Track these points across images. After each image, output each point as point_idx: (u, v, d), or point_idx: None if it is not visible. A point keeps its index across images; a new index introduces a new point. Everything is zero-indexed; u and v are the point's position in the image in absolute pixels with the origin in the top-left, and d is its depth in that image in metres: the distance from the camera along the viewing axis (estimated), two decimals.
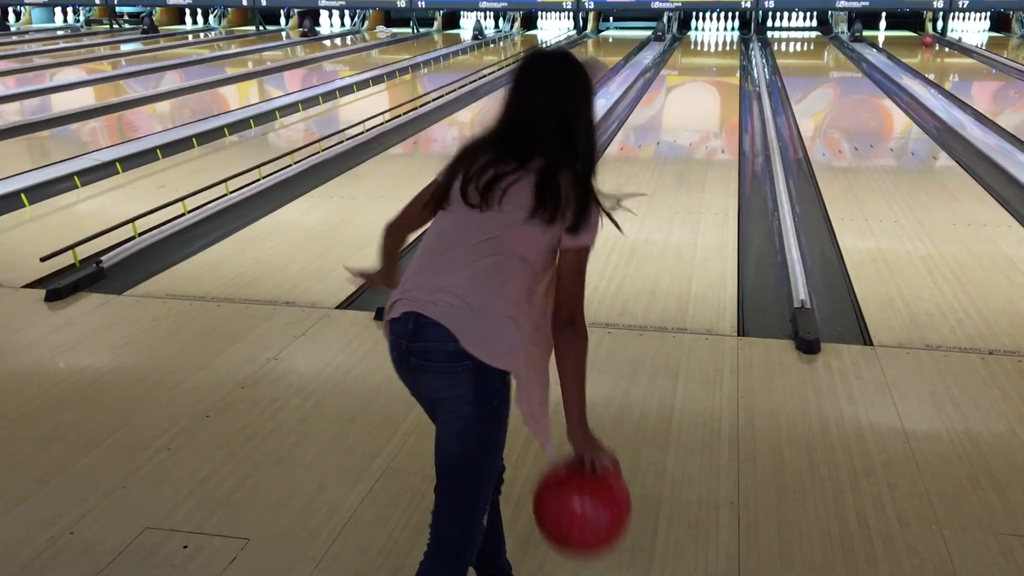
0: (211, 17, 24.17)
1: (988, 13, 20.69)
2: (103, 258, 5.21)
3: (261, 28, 23.26)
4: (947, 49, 18.47)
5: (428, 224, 2.17)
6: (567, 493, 2.07)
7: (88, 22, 24.51)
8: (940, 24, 20.70)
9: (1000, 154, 8.13)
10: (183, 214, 6.15)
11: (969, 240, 5.69)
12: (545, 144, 2.02)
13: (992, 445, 3.30)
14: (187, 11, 24.12)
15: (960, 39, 19.64)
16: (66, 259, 5.23)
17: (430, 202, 2.13)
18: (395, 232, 2.34)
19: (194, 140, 8.92)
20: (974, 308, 4.58)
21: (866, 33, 19.19)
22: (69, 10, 24.81)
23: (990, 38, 19.97)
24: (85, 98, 12.03)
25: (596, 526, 2.06)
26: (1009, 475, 3.10)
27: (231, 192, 6.69)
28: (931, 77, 13.84)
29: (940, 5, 20.22)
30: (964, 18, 20.72)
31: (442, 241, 2.05)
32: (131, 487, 3.04)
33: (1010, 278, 5.01)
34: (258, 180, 7.08)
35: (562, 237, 1.99)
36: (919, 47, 18.35)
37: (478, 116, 10.85)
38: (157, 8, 23.47)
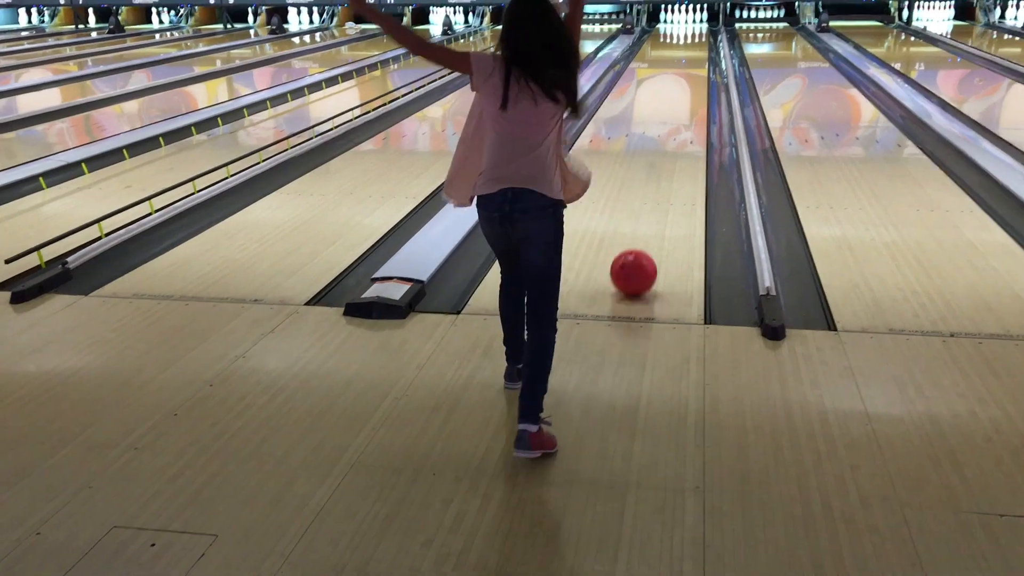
0: (176, 15, 23.93)
1: (952, 1, 20.92)
2: (69, 259, 5.17)
3: (229, 26, 23.09)
4: (912, 38, 18.64)
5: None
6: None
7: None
8: (905, 13, 20.89)
9: (964, 141, 8.23)
10: (150, 214, 6.12)
11: (932, 226, 5.77)
12: (546, 59, 3.08)
13: (953, 425, 3.36)
14: (154, 10, 23.88)
15: (925, 28, 19.84)
16: (32, 260, 5.18)
17: (452, 67, 3.31)
18: (412, 37, 3.30)
19: (161, 139, 8.86)
20: (936, 292, 4.65)
21: (832, 23, 19.31)
22: (34, 11, 24.50)
23: (955, 26, 20.18)
24: (51, 99, 11.89)
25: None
26: (969, 454, 3.16)
27: (199, 191, 6.66)
28: (897, 66, 13.97)
29: None
30: (929, 7, 20.93)
31: (505, 136, 3.10)
32: (98, 486, 3.03)
33: (971, 262, 5.08)
34: (227, 178, 7.05)
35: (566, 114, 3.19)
36: (885, 36, 18.53)
37: (448, 111, 10.85)
38: (123, 7, 23.21)
